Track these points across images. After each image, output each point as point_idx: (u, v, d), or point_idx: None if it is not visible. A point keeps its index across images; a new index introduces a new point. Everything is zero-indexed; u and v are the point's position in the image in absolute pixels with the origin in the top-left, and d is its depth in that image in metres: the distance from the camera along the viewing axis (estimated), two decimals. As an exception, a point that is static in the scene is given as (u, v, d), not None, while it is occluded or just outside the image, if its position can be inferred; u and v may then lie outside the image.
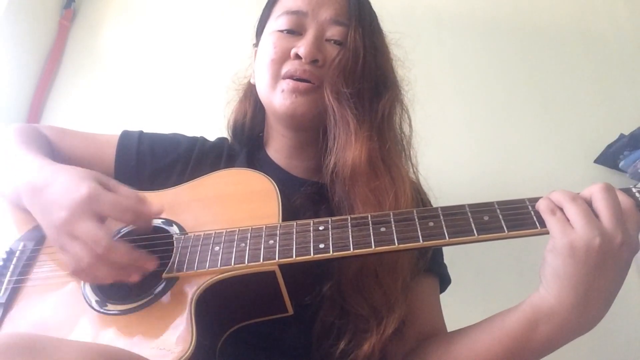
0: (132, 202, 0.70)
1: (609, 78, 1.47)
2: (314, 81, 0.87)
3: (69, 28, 1.67)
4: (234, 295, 0.71)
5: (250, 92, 1.04)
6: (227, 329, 0.73)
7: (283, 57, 0.89)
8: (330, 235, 0.69)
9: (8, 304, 0.73)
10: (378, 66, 0.90)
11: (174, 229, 0.77)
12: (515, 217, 0.66)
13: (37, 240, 0.80)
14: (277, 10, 0.94)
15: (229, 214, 0.77)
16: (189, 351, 0.61)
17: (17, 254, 0.79)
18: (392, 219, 0.69)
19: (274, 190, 0.78)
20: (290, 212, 0.76)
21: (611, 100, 1.44)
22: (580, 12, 1.55)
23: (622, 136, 1.29)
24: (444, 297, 0.93)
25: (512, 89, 1.49)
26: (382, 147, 0.84)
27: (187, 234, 0.76)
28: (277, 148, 0.98)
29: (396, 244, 0.67)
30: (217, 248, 0.71)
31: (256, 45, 1.00)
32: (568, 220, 0.62)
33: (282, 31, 0.91)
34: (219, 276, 0.68)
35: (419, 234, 0.67)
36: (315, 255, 0.68)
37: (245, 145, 1.03)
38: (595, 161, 1.36)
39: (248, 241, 0.71)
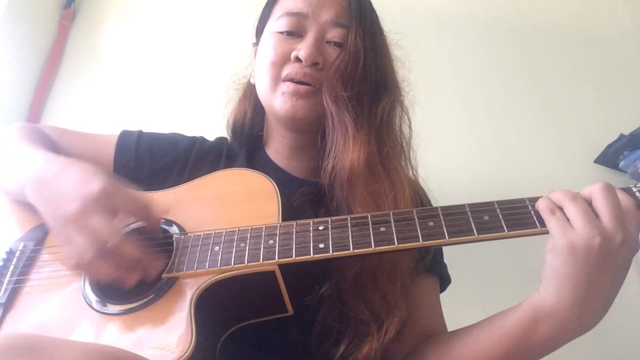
0: (143, 200, 0.71)
1: (609, 78, 1.47)
2: (314, 84, 0.87)
3: (69, 28, 1.67)
4: (233, 295, 0.71)
5: (250, 91, 1.04)
6: (227, 329, 0.73)
7: (283, 60, 0.88)
8: (330, 235, 0.69)
9: (8, 304, 0.73)
10: (378, 68, 0.89)
11: (174, 229, 0.77)
12: (515, 217, 0.66)
13: (38, 240, 0.80)
14: (277, 10, 0.94)
15: (228, 214, 0.78)
16: (189, 351, 0.61)
17: (17, 254, 0.79)
18: (391, 219, 0.69)
19: (273, 191, 0.78)
20: (290, 212, 0.76)
21: (611, 100, 1.44)
22: (580, 12, 1.55)
23: (622, 136, 1.29)
24: (444, 297, 0.93)
25: (512, 89, 1.49)
26: (380, 151, 0.84)
27: (187, 234, 0.76)
28: (277, 149, 0.98)
29: (396, 243, 0.67)
30: (216, 248, 0.71)
31: (256, 44, 1.00)
32: (568, 219, 0.62)
33: (282, 33, 0.90)
34: (219, 276, 0.68)
35: (419, 233, 0.67)
36: (315, 255, 0.68)
37: (244, 145, 1.02)
38: (595, 161, 1.36)
39: (248, 241, 0.71)
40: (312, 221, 0.72)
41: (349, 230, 0.69)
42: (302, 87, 0.86)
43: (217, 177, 0.85)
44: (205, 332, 0.65)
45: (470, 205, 0.68)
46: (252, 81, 1.00)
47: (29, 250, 0.79)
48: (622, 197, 0.63)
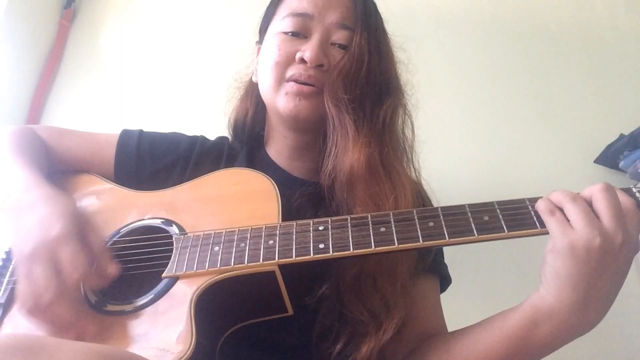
0: (85, 262, 0.67)
1: (609, 78, 1.47)
2: (318, 85, 0.87)
3: (69, 28, 1.67)
4: (233, 296, 0.71)
5: (251, 90, 1.04)
6: (227, 329, 0.73)
7: (288, 60, 0.88)
8: (330, 235, 0.69)
9: (8, 304, 0.73)
10: (381, 72, 0.89)
11: (174, 229, 0.77)
12: (516, 217, 0.66)
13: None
14: (283, 10, 0.93)
15: (228, 214, 0.77)
16: (189, 351, 0.61)
17: (16, 254, 0.79)
18: (392, 219, 0.69)
19: (273, 191, 0.78)
20: (290, 213, 0.76)
21: (611, 100, 1.44)
22: (580, 13, 1.55)
23: (622, 136, 1.29)
24: (444, 297, 0.93)
25: (512, 89, 1.49)
26: (381, 153, 0.84)
27: (186, 234, 0.76)
28: (278, 149, 0.98)
29: (396, 244, 0.67)
30: (216, 248, 0.71)
31: (259, 43, 1.00)
32: (568, 220, 0.62)
33: (286, 33, 0.90)
34: (219, 276, 0.68)
35: (419, 234, 0.67)
36: (315, 256, 0.68)
37: (245, 143, 1.02)
38: (595, 161, 1.36)
39: (248, 241, 0.71)
40: (312, 221, 0.71)
41: (349, 230, 0.69)
42: (306, 88, 0.86)
43: (217, 176, 0.85)
44: (205, 332, 0.65)
45: (470, 205, 0.68)
46: (254, 79, 1.00)
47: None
48: (623, 197, 0.63)
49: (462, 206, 0.68)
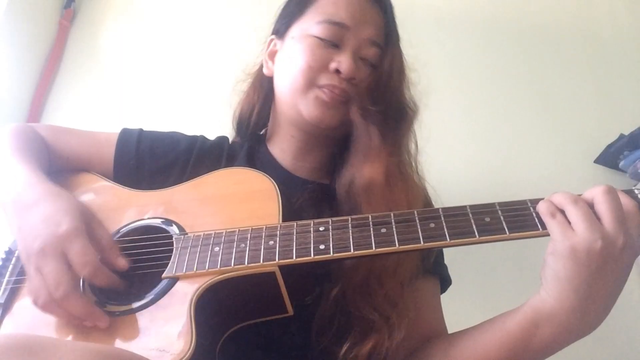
0: (95, 257, 0.68)
1: (609, 78, 1.48)
2: (346, 96, 0.88)
3: (69, 28, 1.67)
4: (233, 296, 0.70)
5: (259, 84, 1.03)
6: (227, 330, 0.73)
7: (321, 68, 0.88)
8: (330, 236, 0.69)
9: (7, 304, 0.73)
10: (403, 89, 0.93)
11: (174, 229, 0.77)
12: (517, 219, 0.66)
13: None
14: (316, 13, 0.91)
15: (229, 214, 0.77)
16: (189, 352, 0.61)
17: (16, 253, 0.79)
18: (392, 220, 0.69)
19: (274, 190, 0.77)
20: (290, 213, 0.76)
21: (611, 100, 1.45)
22: (580, 12, 1.55)
23: (622, 136, 1.29)
24: (444, 298, 0.93)
25: (512, 89, 1.49)
26: (399, 163, 0.87)
27: (186, 234, 0.75)
28: (284, 147, 0.97)
29: (397, 245, 0.66)
30: (216, 248, 0.71)
31: (279, 38, 0.98)
32: (569, 222, 0.62)
33: (321, 39, 0.89)
34: (219, 277, 0.68)
35: (420, 235, 0.67)
36: (316, 256, 0.68)
37: (247, 139, 1.02)
38: (595, 161, 1.36)
39: (248, 242, 0.70)
40: (312, 222, 0.71)
41: (350, 231, 0.69)
42: (337, 98, 0.87)
43: (217, 176, 0.85)
44: (206, 332, 0.65)
45: (471, 206, 0.68)
46: (266, 72, 0.99)
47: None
48: (624, 199, 0.63)
49: (463, 207, 0.68)
